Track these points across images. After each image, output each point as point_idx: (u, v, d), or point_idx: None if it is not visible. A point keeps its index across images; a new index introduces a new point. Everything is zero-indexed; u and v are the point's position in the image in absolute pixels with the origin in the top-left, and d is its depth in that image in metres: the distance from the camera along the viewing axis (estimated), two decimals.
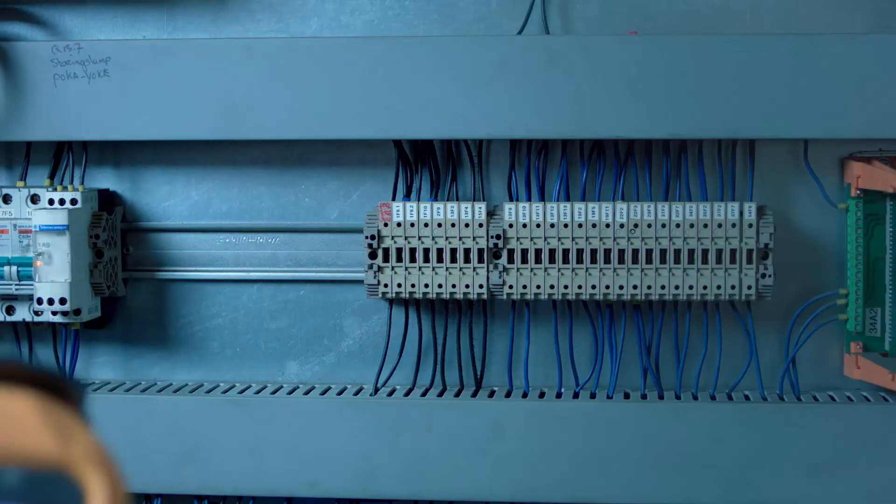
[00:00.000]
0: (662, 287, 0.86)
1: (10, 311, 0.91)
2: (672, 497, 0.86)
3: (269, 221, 0.94)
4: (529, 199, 0.89)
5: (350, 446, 0.88)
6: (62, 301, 0.86)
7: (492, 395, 0.91)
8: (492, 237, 0.87)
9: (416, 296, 0.88)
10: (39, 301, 0.86)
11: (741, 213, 0.86)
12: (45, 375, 0.39)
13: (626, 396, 0.90)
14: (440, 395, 0.91)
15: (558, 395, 0.90)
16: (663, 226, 0.86)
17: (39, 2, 0.93)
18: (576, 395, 0.90)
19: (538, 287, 0.86)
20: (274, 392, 0.91)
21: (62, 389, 0.40)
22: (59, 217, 0.87)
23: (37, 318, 0.89)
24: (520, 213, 0.86)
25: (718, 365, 0.90)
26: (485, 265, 0.87)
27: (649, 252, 0.86)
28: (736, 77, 0.84)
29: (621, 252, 0.86)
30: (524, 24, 0.90)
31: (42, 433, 0.36)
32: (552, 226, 0.86)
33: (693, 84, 0.85)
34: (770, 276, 0.86)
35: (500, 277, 0.87)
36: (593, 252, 0.86)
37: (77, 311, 0.88)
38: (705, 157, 0.90)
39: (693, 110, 0.85)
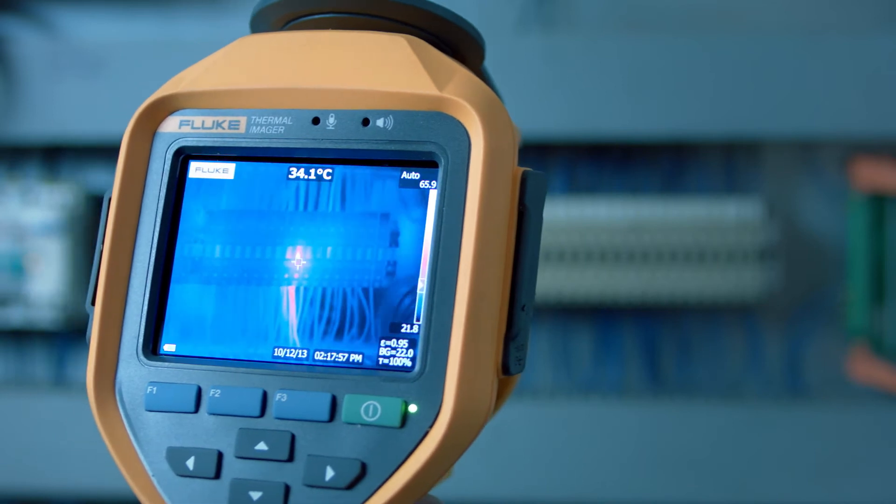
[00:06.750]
0: (665, 287, 0.85)
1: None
2: (674, 498, 0.86)
3: None
4: None
5: None
6: (56, 303, 0.86)
7: None
8: None
9: None
10: (32, 302, 0.86)
11: (746, 213, 0.85)
12: (434, 17, 0.37)
13: (628, 397, 0.89)
14: None
15: (559, 397, 0.90)
16: (666, 225, 0.85)
17: None
18: (576, 397, 0.89)
19: (539, 287, 0.86)
20: None
21: (449, 32, 0.38)
22: (54, 217, 0.87)
23: (30, 320, 0.88)
24: None
25: (721, 365, 0.89)
26: None
27: (652, 252, 0.85)
28: (741, 75, 0.83)
29: (623, 252, 0.85)
30: (524, 23, 0.89)
31: (420, 75, 0.35)
32: (553, 226, 0.85)
33: (697, 82, 0.84)
34: (775, 275, 0.85)
35: None
36: (594, 252, 0.85)
37: (72, 314, 0.87)
38: (710, 155, 0.89)
39: (697, 109, 0.84)
